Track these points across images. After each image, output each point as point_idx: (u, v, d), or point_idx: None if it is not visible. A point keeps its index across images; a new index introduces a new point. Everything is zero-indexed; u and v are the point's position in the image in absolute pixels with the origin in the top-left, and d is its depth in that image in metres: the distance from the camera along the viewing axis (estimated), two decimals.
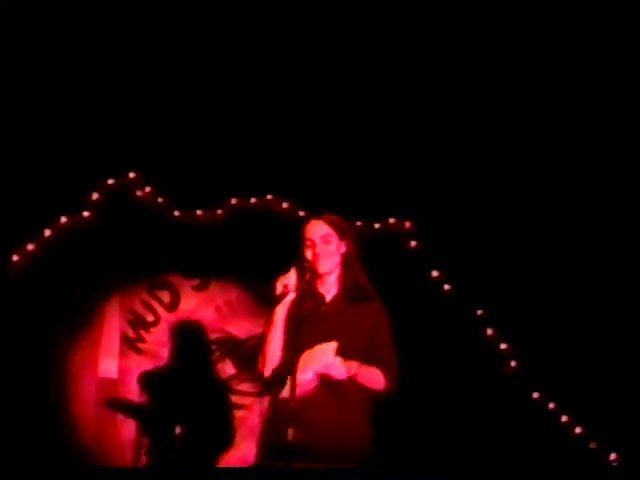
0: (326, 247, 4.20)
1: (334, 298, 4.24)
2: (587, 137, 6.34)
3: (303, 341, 4.02)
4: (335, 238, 4.23)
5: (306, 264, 4.16)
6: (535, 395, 6.21)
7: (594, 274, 6.29)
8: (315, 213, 4.32)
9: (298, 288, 4.12)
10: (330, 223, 4.25)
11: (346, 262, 4.26)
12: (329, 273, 4.23)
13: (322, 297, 4.21)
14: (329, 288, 4.24)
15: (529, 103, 6.38)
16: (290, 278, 4.13)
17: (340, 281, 4.27)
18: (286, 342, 4.10)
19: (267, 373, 4.12)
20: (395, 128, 6.45)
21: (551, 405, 6.18)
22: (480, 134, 6.47)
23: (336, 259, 4.23)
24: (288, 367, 4.00)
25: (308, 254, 4.19)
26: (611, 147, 6.32)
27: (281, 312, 4.13)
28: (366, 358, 4.13)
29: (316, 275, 4.16)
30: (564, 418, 6.16)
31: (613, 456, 6.10)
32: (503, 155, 6.43)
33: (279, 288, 4.11)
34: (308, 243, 4.21)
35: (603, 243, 6.29)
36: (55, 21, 6.07)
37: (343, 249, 4.26)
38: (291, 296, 4.12)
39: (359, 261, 4.30)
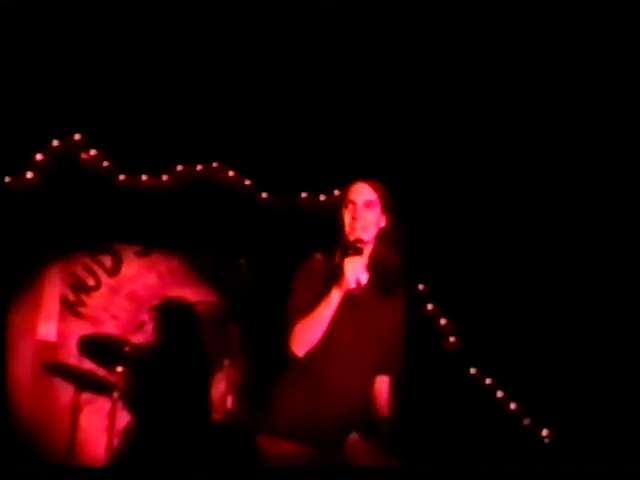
0: (366, 213, 3.81)
1: (368, 283, 3.76)
2: (567, 127, 6.36)
3: (337, 330, 3.74)
4: (378, 208, 3.84)
5: (350, 240, 3.76)
6: (472, 371, 6.31)
7: (530, 247, 6.37)
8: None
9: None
10: (377, 190, 3.85)
11: (382, 239, 3.85)
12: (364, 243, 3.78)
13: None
14: (357, 266, 3.71)
15: (519, 98, 6.36)
16: (361, 274, 3.69)
17: (371, 260, 3.84)
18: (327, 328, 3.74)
19: (301, 353, 3.75)
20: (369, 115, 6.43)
21: (488, 381, 6.29)
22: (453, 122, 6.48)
23: (373, 231, 3.83)
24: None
25: (346, 217, 3.83)
26: (589, 136, 6.36)
27: (336, 297, 3.70)
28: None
29: (359, 253, 3.72)
30: (499, 394, 6.27)
31: (545, 432, 6.23)
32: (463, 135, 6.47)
33: (352, 283, 3.66)
34: (350, 206, 3.82)
35: (538, 214, 6.37)
36: None
37: (383, 223, 3.86)
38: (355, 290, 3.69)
39: (396, 241, 3.89)
